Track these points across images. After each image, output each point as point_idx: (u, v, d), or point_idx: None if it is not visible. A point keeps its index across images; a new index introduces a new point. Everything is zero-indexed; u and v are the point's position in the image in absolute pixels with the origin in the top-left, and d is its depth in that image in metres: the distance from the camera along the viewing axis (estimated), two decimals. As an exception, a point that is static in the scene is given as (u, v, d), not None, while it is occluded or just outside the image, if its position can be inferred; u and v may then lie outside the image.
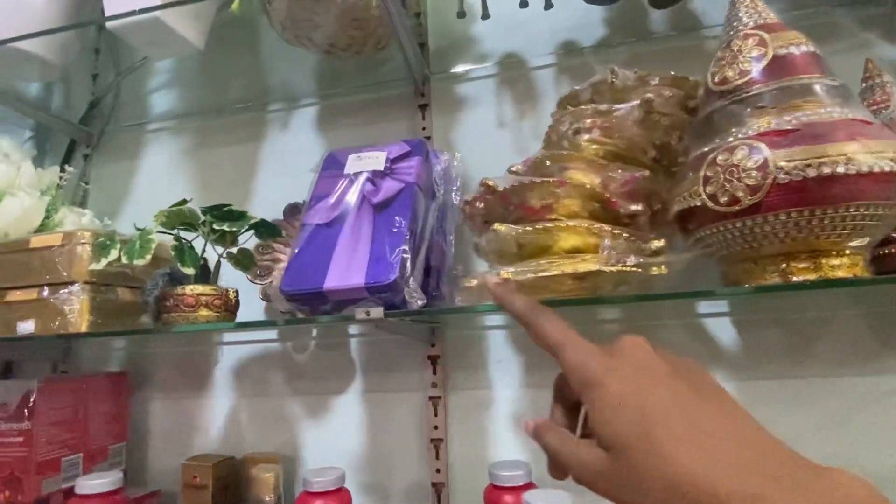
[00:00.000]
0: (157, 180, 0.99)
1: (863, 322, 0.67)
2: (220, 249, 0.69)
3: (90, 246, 0.65)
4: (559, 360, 0.29)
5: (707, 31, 0.79)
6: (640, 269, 0.50)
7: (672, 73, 0.61)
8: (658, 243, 0.53)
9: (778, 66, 0.47)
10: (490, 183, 0.58)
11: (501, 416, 0.76)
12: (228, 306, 0.66)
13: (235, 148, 0.96)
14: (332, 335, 0.84)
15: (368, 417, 0.81)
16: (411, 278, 0.57)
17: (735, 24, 0.52)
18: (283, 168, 0.93)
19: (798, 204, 0.42)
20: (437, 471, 0.75)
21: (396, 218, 0.61)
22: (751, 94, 0.48)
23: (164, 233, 0.64)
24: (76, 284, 0.64)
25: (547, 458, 0.29)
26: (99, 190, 0.99)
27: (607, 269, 0.49)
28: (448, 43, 0.89)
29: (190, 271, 0.63)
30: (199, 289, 0.63)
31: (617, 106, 0.59)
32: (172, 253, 0.62)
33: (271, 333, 0.87)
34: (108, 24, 0.71)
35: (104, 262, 0.61)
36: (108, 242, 0.62)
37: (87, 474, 0.69)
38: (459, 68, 0.88)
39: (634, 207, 0.56)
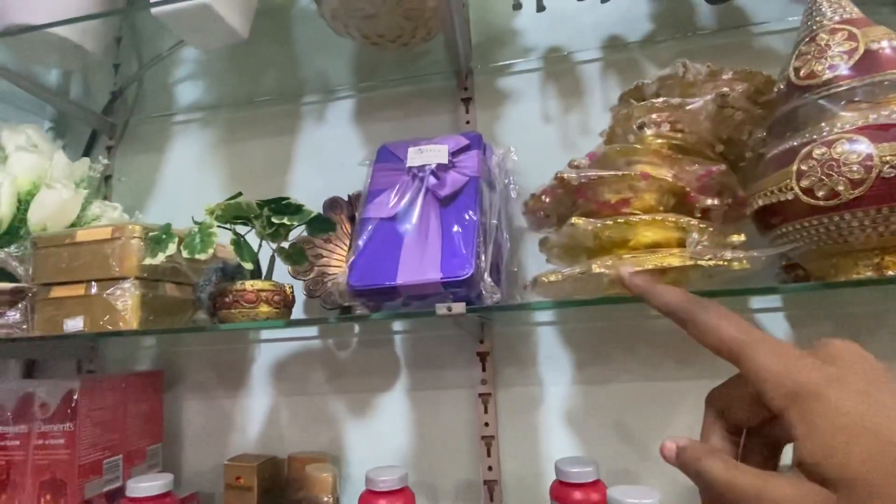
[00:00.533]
0: (185, 173, 0.96)
1: (915, 317, 0.68)
2: (272, 244, 0.67)
3: (142, 240, 0.62)
4: (742, 364, 0.24)
5: (755, 28, 0.80)
6: (727, 263, 0.49)
7: (735, 68, 0.61)
8: (738, 237, 0.53)
9: (869, 61, 0.47)
10: (564, 176, 0.57)
11: (553, 412, 0.76)
12: (287, 302, 0.64)
13: (268, 140, 0.94)
14: (376, 332, 0.83)
15: (416, 415, 0.80)
16: (486, 273, 0.56)
17: (818, 18, 0.52)
18: (319, 162, 0.91)
19: (902, 198, 0.42)
20: (489, 468, 0.74)
21: (467, 212, 0.60)
22: (842, 88, 0.48)
23: (221, 227, 0.62)
24: (128, 280, 0.61)
25: (702, 492, 0.24)
26: (123, 183, 0.96)
27: (704, 262, 0.48)
28: (490, 36, 0.88)
29: (249, 266, 0.61)
30: (259, 284, 0.61)
31: (690, 100, 0.58)
32: (231, 247, 0.60)
33: (311, 331, 0.85)
34: (154, 10, 0.68)
35: (161, 256, 0.59)
36: (164, 237, 0.60)
37: (135, 476, 0.67)
38: (502, 62, 0.87)
39: (711, 201, 0.56)
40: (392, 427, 0.80)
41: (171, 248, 0.59)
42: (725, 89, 0.57)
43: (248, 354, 0.87)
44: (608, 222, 0.54)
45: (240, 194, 0.64)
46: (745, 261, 0.50)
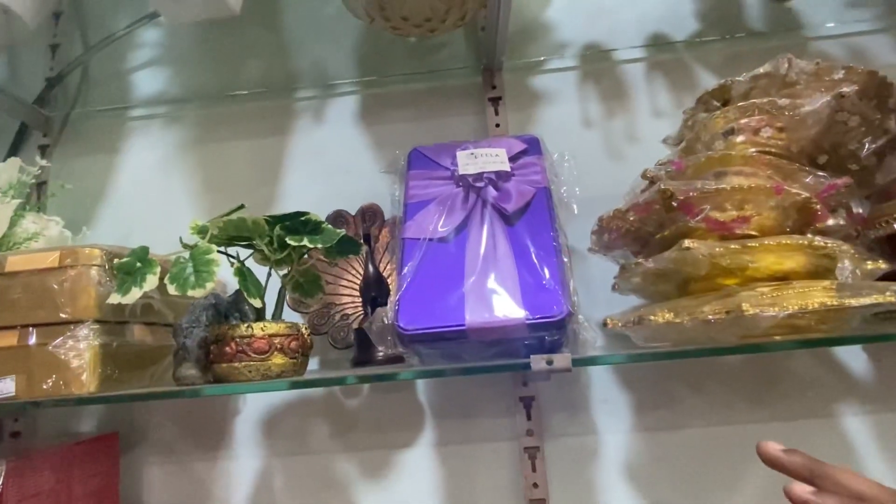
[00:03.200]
0: (145, 180, 0.78)
1: None
2: (280, 272, 0.52)
3: (103, 269, 0.46)
4: None
5: (807, 32, 0.74)
6: (891, 299, 0.40)
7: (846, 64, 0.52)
8: (878, 265, 0.44)
9: None
10: (669, 188, 0.46)
11: (611, 464, 0.64)
12: (305, 349, 0.49)
13: (252, 142, 0.78)
14: (393, 374, 0.69)
15: (446, 475, 0.66)
16: (578, 309, 0.44)
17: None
18: (317, 168, 0.76)
19: None
20: (541, 538, 0.62)
21: (543, 232, 0.47)
22: None
23: (221, 252, 0.46)
24: (84, 325, 0.44)
25: None
26: (64, 190, 0.76)
27: (864, 301, 0.38)
28: (521, 28, 0.77)
29: (258, 304, 0.46)
30: (272, 327, 0.46)
31: (800, 101, 0.49)
32: (237, 278, 0.45)
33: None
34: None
35: (136, 293, 0.42)
36: (140, 265, 0.43)
37: None
38: (534, 58, 0.76)
39: (836, 221, 0.47)
40: (416, 491, 0.65)
41: (152, 282, 0.42)
42: (845, 89, 0.49)
43: (229, 406, 0.70)
44: (733, 246, 0.43)
45: (241, 207, 0.49)
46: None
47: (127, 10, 0.79)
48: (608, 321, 0.49)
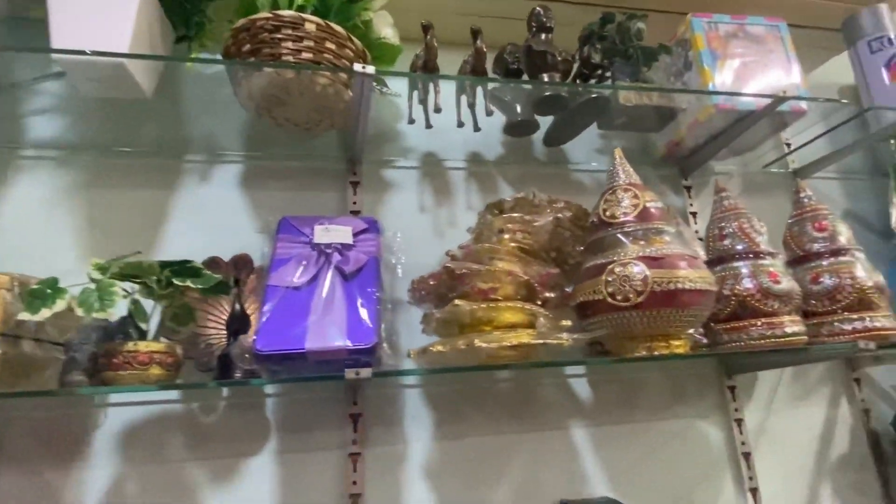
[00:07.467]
0: (26, 217, 0.86)
1: (665, 382, 0.98)
2: (160, 304, 0.67)
3: (9, 291, 0.58)
4: None
5: (571, 166, 1.10)
6: (562, 342, 0.68)
7: (561, 196, 0.85)
8: (567, 322, 0.74)
9: (645, 214, 0.74)
10: (452, 265, 0.72)
11: (415, 467, 0.86)
12: (177, 365, 0.64)
13: (140, 192, 0.90)
14: (247, 394, 0.84)
15: (283, 478, 0.81)
16: (384, 342, 0.66)
17: (616, 178, 0.79)
18: (198, 221, 0.91)
19: (663, 305, 0.67)
20: (355, 525, 0.80)
21: (369, 287, 0.70)
22: (629, 229, 0.73)
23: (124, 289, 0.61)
24: (-11, 335, 0.55)
25: None
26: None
27: (549, 341, 0.66)
28: (380, 132, 1.02)
29: (145, 327, 0.61)
30: (154, 346, 0.61)
31: (536, 217, 0.80)
32: (130, 307, 0.60)
33: (173, 394, 0.82)
34: (55, 56, 0.66)
35: (46, 312, 0.55)
36: (50, 291, 0.57)
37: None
38: (389, 157, 1.02)
39: (549, 294, 0.76)
40: (258, 492, 0.80)
41: (60, 305, 0.56)
42: (560, 215, 0.80)
43: (89, 420, 0.79)
44: (482, 305, 0.69)
45: (138, 252, 0.64)
46: (571, 340, 0.70)
47: (36, 63, 0.89)
48: (409, 352, 0.72)
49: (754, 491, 0.94)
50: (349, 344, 0.63)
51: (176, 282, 0.64)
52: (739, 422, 0.97)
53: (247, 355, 0.63)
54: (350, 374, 0.61)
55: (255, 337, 0.63)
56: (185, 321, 0.70)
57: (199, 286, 0.65)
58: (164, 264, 0.65)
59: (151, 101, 0.93)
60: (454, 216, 1.01)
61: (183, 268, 0.65)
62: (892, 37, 1.04)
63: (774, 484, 0.96)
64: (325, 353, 0.63)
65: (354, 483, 0.82)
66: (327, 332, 0.64)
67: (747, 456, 0.95)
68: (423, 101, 0.90)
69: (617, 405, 0.95)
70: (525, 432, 0.91)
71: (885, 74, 1.03)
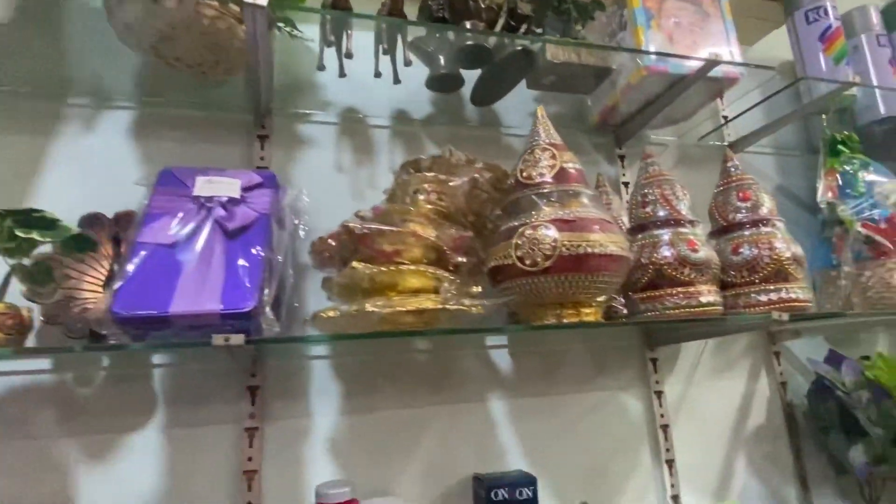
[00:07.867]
0: None
1: (587, 353, 0.95)
2: (10, 260, 0.58)
3: None
4: None
5: (504, 129, 1.04)
6: (467, 308, 0.64)
7: (485, 159, 0.79)
8: (477, 289, 0.69)
9: (562, 175, 0.69)
10: (350, 225, 0.65)
11: (319, 443, 0.80)
12: (22, 328, 0.56)
13: (14, 138, 0.80)
14: (132, 365, 0.76)
15: (171, 455, 0.75)
16: (267, 307, 0.60)
17: (536, 137, 0.73)
18: (80, 173, 0.81)
19: (571, 270, 0.63)
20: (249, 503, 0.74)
21: (255, 247, 0.63)
22: (545, 190, 0.68)
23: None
24: None
25: None
26: None
27: (451, 307, 0.61)
28: (293, 82, 0.94)
29: (-25, 284, 0.52)
30: (-12, 305, 0.52)
31: (452, 178, 0.74)
32: (-47, 259, 0.51)
33: (43, 363, 0.73)
34: None
35: None
36: None
37: None
38: (303, 110, 0.93)
39: (461, 259, 0.71)
40: (140, 469, 0.73)
41: None
42: (477, 175, 0.74)
43: (-60, 393, 0.69)
44: (382, 269, 0.64)
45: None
46: (479, 306, 0.66)
47: None
48: (304, 319, 0.66)
49: (670, 463, 0.93)
50: (222, 307, 0.56)
51: (18, 233, 0.55)
52: (659, 394, 0.96)
53: (102, 319, 0.55)
54: (219, 339, 0.54)
55: (112, 298, 0.55)
56: (42, 280, 0.62)
57: (50, 239, 0.56)
58: (7, 213, 0.56)
59: (23, 31, 0.83)
60: (375, 177, 0.94)
61: (30, 217, 0.57)
62: (829, 7, 1.02)
63: (691, 455, 0.96)
64: (193, 317, 0.56)
65: (250, 459, 0.76)
66: (199, 294, 0.57)
67: (665, 428, 0.95)
68: (337, 46, 0.82)
69: (538, 377, 0.92)
70: (440, 405, 0.87)
71: (819, 46, 1.02)
